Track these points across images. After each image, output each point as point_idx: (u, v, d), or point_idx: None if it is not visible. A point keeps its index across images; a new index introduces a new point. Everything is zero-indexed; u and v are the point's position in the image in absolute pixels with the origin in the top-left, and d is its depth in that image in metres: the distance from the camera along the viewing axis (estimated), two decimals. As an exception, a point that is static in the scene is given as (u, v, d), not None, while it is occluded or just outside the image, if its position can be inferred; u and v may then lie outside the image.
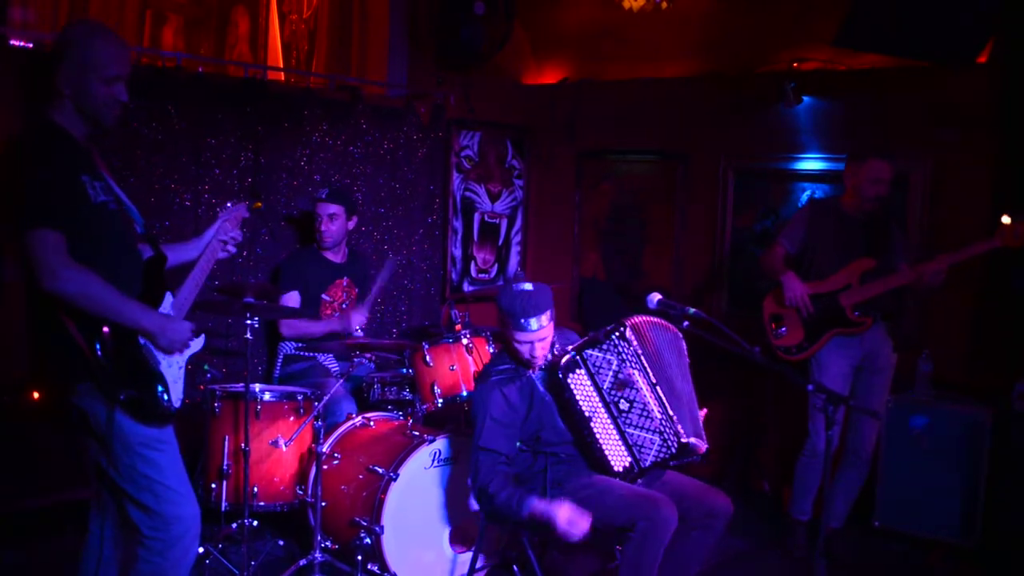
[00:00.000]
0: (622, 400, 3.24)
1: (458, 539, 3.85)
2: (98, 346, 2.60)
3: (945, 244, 4.57)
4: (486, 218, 6.15)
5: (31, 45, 3.99)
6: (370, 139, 5.26)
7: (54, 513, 4.03)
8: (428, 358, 4.07)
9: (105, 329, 2.61)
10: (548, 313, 3.20)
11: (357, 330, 4.56)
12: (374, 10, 5.76)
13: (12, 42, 3.93)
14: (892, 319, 4.41)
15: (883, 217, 4.36)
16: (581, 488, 3.21)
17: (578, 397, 3.25)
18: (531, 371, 3.32)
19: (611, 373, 3.25)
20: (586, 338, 3.33)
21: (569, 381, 3.23)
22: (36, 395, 3.90)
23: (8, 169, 2.60)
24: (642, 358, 3.26)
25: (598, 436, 3.25)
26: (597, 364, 3.26)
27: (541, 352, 3.27)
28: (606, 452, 3.25)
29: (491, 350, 4.19)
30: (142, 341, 2.72)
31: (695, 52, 5.67)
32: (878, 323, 4.32)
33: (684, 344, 3.49)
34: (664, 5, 4.63)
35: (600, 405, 3.25)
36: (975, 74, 4.63)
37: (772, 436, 5.36)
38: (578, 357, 3.26)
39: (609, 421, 3.26)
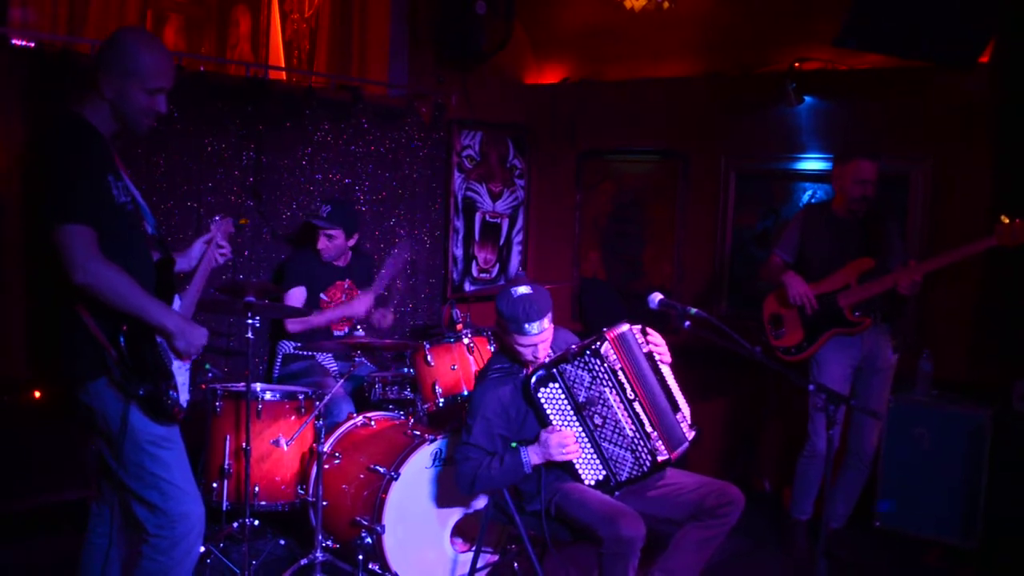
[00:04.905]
0: (595, 415, 3.24)
1: (459, 538, 3.86)
2: (121, 340, 2.62)
3: (945, 244, 4.57)
4: (487, 218, 6.15)
5: (32, 44, 3.99)
6: (371, 138, 5.26)
7: (51, 513, 4.02)
8: (429, 357, 4.08)
9: (125, 326, 2.63)
10: (548, 316, 3.24)
11: (370, 313, 4.57)
12: (375, 10, 5.76)
13: (14, 41, 3.93)
14: (892, 319, 4.42)
15: (879, 217, 4.36)
16: (564, 495, 3.26)
17: (548, 411, 3.25)
18: (525, 370, 3.34)
19: (584, 389, 3.24)
20: (562, 352, 3.30)
21: (539, 396, 3.23)
22: (37, 394, 3.91)
23: (36, 161, 2.59)
24: (618, 374, 3.24)
25: None
26: (571, 379, 3.24)
27: (543, 352, 3.31)
28: (575, 464, 3.26)
29: (492, 349, 4.19)
30: (158, 340, 2.74)
31: (696, 52, 5.67)
32: (878, 323, 4.33)
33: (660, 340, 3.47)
34: (665, 5, 4.63)
35: (575, 418, 3.25)
36: (975, 74, 4.62)
37: (772, 436, 5.36)
38: (554, 371, 3.24)
39: (584, 435, 3.26)
